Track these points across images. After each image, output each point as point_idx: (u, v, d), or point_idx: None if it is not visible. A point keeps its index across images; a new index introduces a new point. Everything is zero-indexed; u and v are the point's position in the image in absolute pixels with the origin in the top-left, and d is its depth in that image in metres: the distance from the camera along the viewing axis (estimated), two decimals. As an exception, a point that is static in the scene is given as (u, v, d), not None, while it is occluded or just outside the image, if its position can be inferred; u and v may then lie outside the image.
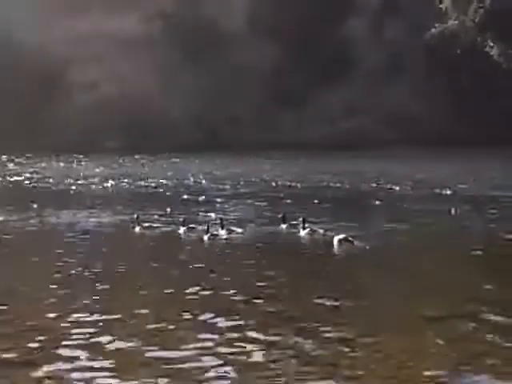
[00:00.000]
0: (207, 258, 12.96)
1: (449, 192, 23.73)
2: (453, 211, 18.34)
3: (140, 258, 13.34)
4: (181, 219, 16.18)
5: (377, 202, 21.04)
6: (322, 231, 15.26)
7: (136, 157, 45.60)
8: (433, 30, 52.72)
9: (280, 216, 16.25)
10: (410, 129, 50.25)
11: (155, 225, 16.58)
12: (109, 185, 28.64)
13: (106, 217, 18.62)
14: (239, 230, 15.43)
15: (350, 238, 13.97)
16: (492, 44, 51.41)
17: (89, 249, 13.90)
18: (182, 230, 15.58)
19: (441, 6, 51.33)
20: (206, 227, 14.94)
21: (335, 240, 13.96)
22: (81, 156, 45.77)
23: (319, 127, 52.33)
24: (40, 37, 51.92)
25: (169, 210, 19.42)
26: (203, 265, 12.14)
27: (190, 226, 15.71)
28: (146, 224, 16.39)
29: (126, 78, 53.16)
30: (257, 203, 21.45)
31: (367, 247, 13.57)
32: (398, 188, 25.34)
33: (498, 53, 51.04)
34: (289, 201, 21.73)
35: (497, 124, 50.26)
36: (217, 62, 54.56)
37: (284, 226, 15.82)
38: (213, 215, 18.05)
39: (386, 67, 53.77)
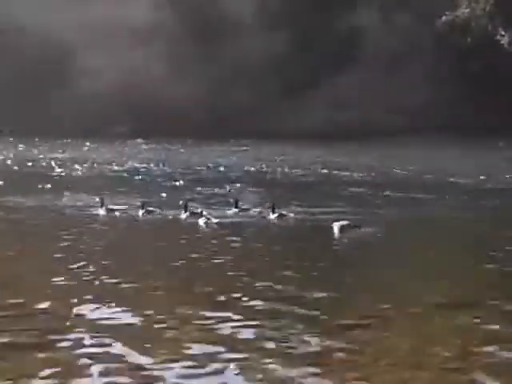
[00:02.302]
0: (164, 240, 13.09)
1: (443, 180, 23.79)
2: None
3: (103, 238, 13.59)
4: (138, 203, 16.50)
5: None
6: (292, 215, 15.52)
7: (138, 141, 45.63)
8: (443, 18, 52.26)
9: (232, 201, 16.62)
10: (420, 117, 49.91)
11: (119, 207, 16.76)
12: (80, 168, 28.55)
13: (71, 200, 18.68)
14: (201, 211, 15.58)
15: (352, 224, 13.49)
16: (503, 33, 50.91)
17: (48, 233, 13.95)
18: (140, 212, 15.87)
19: (452, -7, 51.00)
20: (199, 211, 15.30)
21: (335, 226, 13.46)
22: (87, 141, 45.76)
23: (328, 116, 52.03)
24: (48, 22, 52.02)
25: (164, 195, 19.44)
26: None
27: (148, 209, 15.98)
28: (111, 206, 16.60)
29: (134, 64, 53.24)
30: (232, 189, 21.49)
31: (378, 234, 13.15)
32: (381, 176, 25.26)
33: (509, 41, 50.54)
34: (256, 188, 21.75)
35: (507, 113, 49.73)
36: (226, 50, 54.47)
37: (236, 210, 16.15)
38: (179, 199, 18.14)
39: (396, 55, 53.31)
